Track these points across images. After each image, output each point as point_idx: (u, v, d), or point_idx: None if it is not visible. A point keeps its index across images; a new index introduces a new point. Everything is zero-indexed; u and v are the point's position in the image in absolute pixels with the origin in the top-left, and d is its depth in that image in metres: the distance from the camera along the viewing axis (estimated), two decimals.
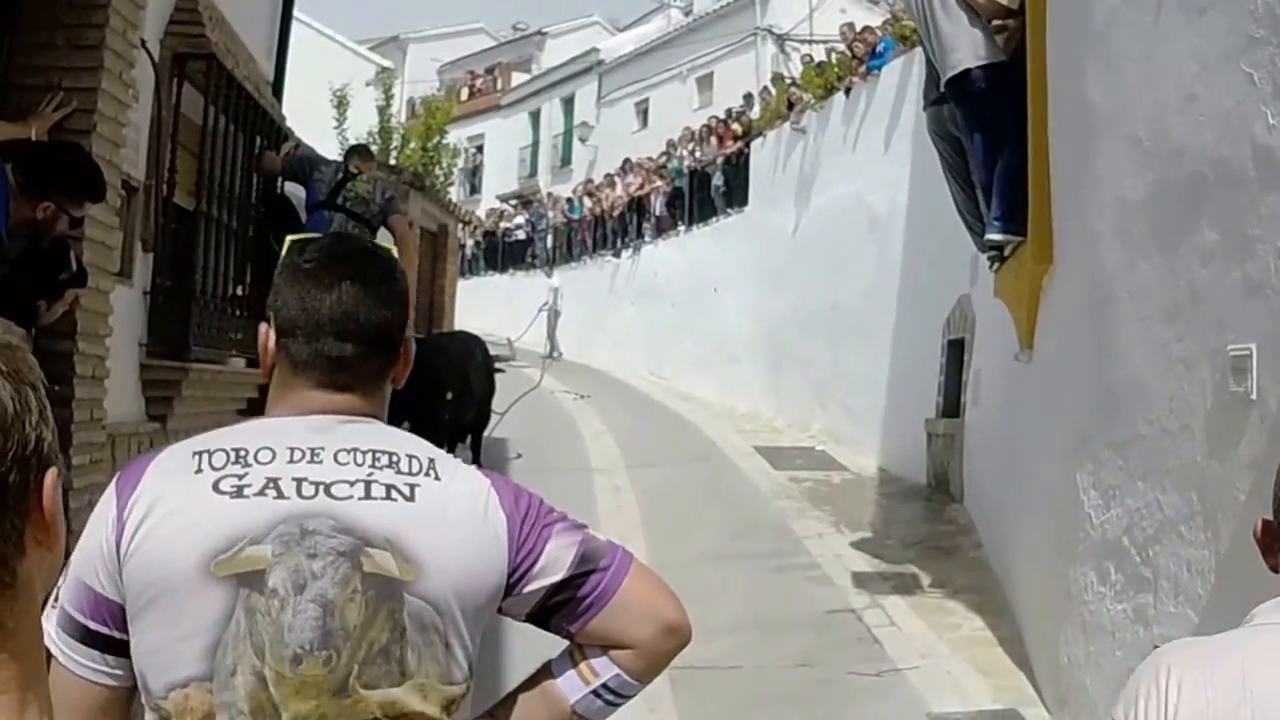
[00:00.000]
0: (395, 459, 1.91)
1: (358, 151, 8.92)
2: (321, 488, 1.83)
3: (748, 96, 22.00)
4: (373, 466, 1.88)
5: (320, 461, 1.86)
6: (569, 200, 30.68)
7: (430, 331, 15.19)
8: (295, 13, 28.28)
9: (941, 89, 7.79)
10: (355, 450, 1.89)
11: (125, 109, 5.34)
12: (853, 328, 14.70)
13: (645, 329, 23.91)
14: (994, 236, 7.42)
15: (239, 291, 7.75)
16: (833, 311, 15.39)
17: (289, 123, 9.93)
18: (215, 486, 1.81)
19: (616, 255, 26.46)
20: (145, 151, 6.19)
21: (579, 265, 28.69)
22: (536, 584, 1.93)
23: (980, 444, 10.03)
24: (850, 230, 14.98)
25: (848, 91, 15.53)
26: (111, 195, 5.16)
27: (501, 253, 33.58)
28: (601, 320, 26.24)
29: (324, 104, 22.60)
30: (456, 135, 35.20)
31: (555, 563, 1.95)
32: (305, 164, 8.45)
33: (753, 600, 8.37)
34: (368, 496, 1.84)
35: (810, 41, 23.87)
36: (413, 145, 24.62)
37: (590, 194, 29.09)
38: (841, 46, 17.11)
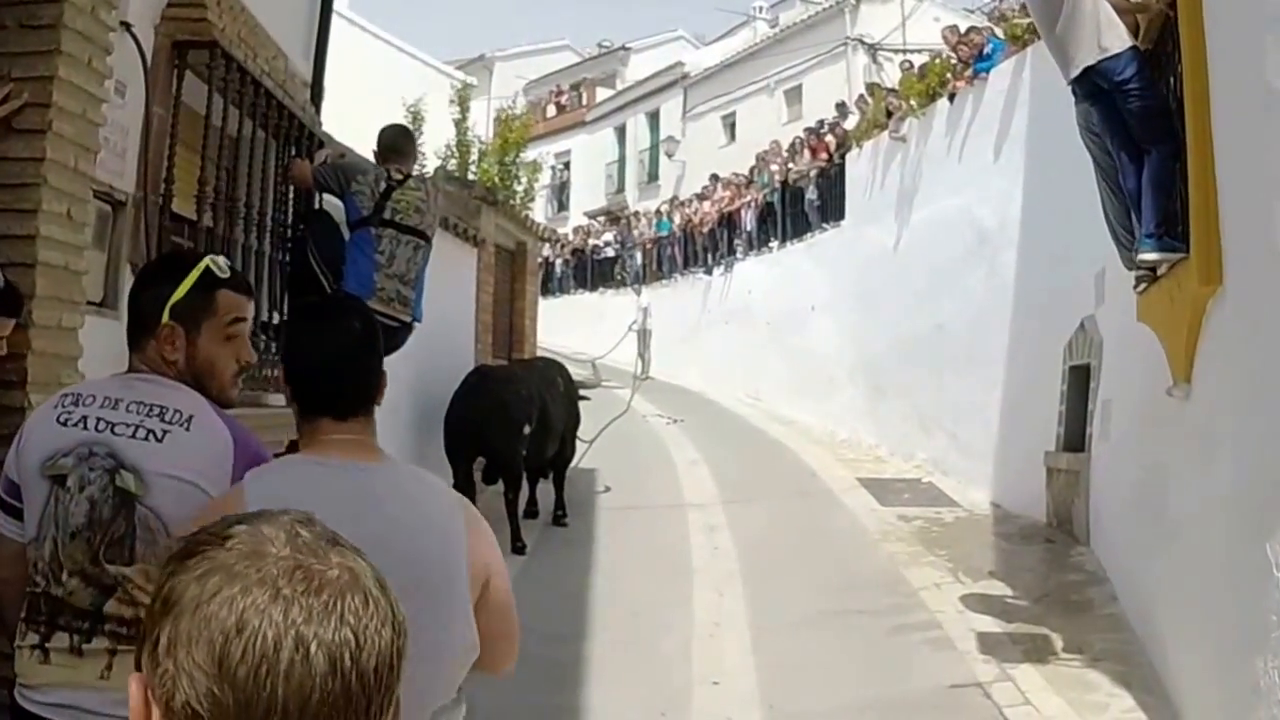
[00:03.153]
0: (165, 411, 2.73)
1: (393, 149, 7.32)
2: (110, 425, 2.69)
3: (840, 105, 21.03)
4: (146, 415, 2.71)
5: (116, 408, 2.72)
6: (658, 215, 29.91)
7: (510, 358, 14.34)
8: (379, 31, 28.22)
9: (1070, 86, 6.84)
10: (141, 403, 2.72)
11: (98, 104, 4.25)
12: (960, 351, 13.65)
13: (739, 349, 22.98)
14: (1148, 255, 6.40)
15: (273, 319, 6.73)
16: (938, 333, 14.36)
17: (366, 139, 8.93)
18: (57, 418, 2.73)
19: (708, 273, 25.65)
20: (138, 158, 5.12)
21: (669, 283, 27.93)
22: None
23: (1112, 484, 8.97)
24: (956, 246, 13.95)
25: (952, 98, 14.50)
26: (81, 210, 4.18)
27: (591, 271, 32.94)
28: (694, 340, 25.40)
29: (403, 121, 22.16)
30: (543, 151, 34.70)
31: None
32: (340, 173, 7.01)
33: (865, 672, 7.35)
34: (133, 436, 2.68)
35: (904, 50, 22.86)
36: (489, 160, 24.03)
37: (679, 209, 28.30)
38: (941, 53, 16.11)
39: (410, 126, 21.87)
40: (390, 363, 7.72)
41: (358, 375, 2.69)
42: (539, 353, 15.98)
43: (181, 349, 2.82)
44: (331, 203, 7.28)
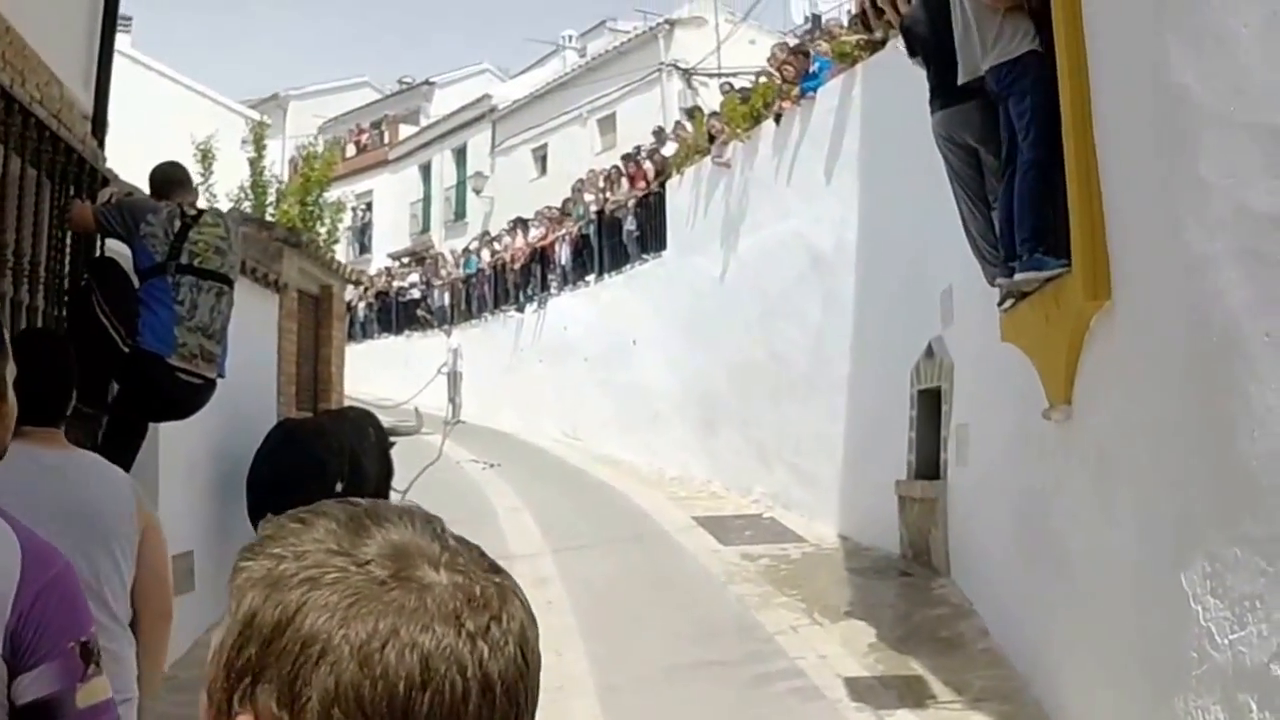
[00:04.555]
0: None
1: (173, 181, 6.38)
2: None
3: (658, 131, 20.74)
4: None
5: None
6: (465, 254, 29.31)
7: (316, 409, 13.52)
8: (165, 69, 27.11)
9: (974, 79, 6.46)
10: None
11: None
12: (798, 379, 13.42)
13: (556, 388, 22.49)
14: (1025, 276, 6.07)
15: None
16: (773, 362, 14.11)
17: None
18: None
19: (520, 310, 25.10)
20: None
21: (480, 323, 27.29)
22: (16, 688, 2.03)
23: (976, 512, 8.73)
24: (788, 272, 13.74)
25: (778, 119, 14.28)
26: None
27: (396, 314, 32.04)
28: (507, 380, 24.81)
29: (195, 162, 21.19)
30: (344, 192, 33.85)
31: (30, 689, 2.04)
32: (128, 214, 6.04)
33: None
34: None
35: (719, 75, 22.76)
36: (290, 201, 23.14)
37: (488, 245, 27.75)
38: (760, 74, 15.93)
39: (199, 166, 20.96)
40: (186, 423, 6.94)
41: (60, 396, 3.54)
42: (346, 403, 15.20)
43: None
44: (116, 249, 6.38)
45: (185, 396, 6.19)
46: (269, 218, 21.05)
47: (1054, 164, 5.86)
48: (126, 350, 5.87)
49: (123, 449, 5.86)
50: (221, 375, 6.39)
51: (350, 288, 32.41)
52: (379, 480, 11.13)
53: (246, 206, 22.61)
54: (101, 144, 6.92)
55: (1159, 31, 4.56)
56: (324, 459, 9.64)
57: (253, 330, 10.92)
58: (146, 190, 6.54)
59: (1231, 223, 4.09)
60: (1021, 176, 6.04)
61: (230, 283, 6.36)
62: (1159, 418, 4.78)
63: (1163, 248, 4.66)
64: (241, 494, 9.40)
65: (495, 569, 1.02)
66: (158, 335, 5.95)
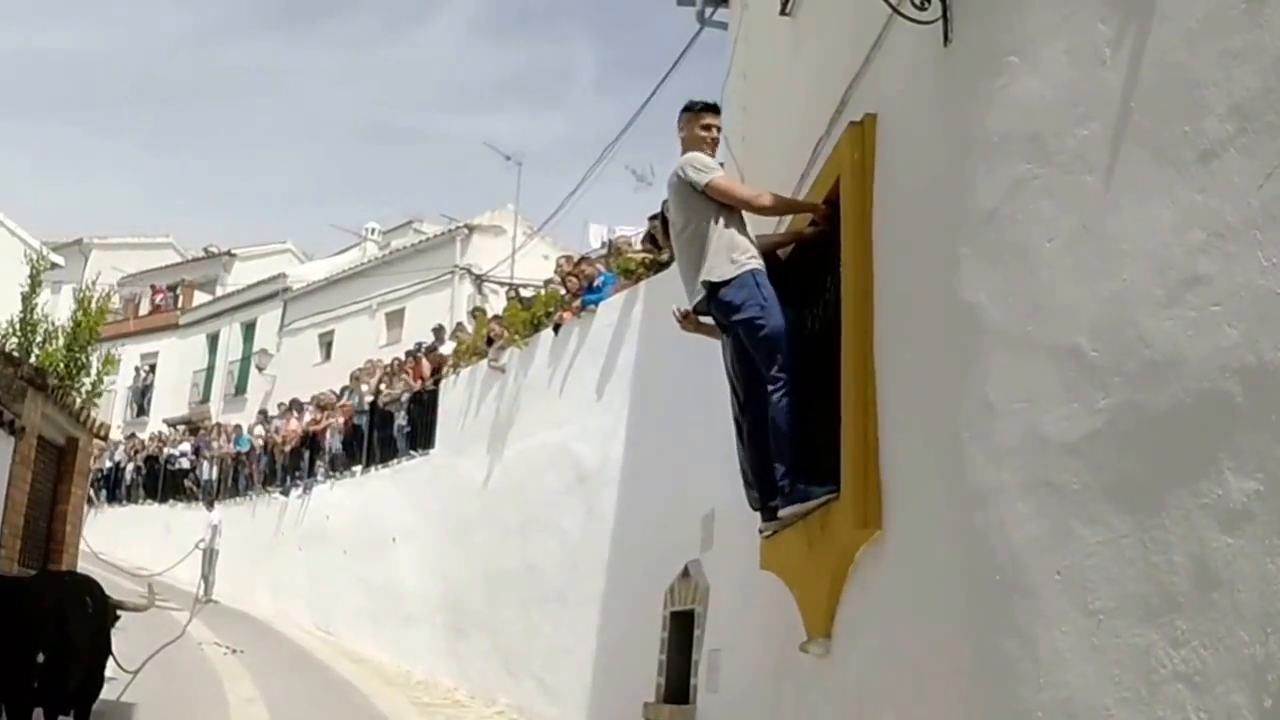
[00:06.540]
0: None
1: None
2: None
3: (439, 329, 20.19)
4: None
5: None
6: (237, 430, 28.01)
7: (45, 567, 12.18)
8: None
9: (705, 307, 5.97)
10: None
11: None
12: (552, 591, 12.70)
13: (312, 577, 21.18)
14: (793, 509, 5.48)
15: None
16: (529, 572, 13.39)
17: None
18: None
19: (285, 493, 23.80)
20: None
21: (244, 501, 25.83)
22: None
23: None
24: (552, 482, 13.16)
25: (557, 328, 13.81)
26: None
27: (163, 480, 30.31)
28: (265, 563, 23.33)
29: None
30: (130, 351, 32.42)
31: None
32: None
33: None
34: None
35: (510, 284, 22.48)
36: (56, 343, 21.60)
37: (265, 424, 26.56)
38: (548, 282, 15.53)
39: None
40: None
41: None
42: (88, 565, 13.84)
43: None
44: None
45: None
46: (33, 359, 19.45)
47: (803, 385, 5.38)
48: None
49: None
50: None
51: (120, 450, 30.81)
52: (92, 656, 9.85)
53: (12, 343, 21.10)
54: None
55: (953, 245, 4.13)
56: (22, 626, 8.43)
57: None
58: None
59: (1021, 451, 3.60)
60: (773, 407, 5.47)
61: None
62: (930, 658, 4.20)
63: (943, 476, 4.15)
64: None
65: None
66: None
